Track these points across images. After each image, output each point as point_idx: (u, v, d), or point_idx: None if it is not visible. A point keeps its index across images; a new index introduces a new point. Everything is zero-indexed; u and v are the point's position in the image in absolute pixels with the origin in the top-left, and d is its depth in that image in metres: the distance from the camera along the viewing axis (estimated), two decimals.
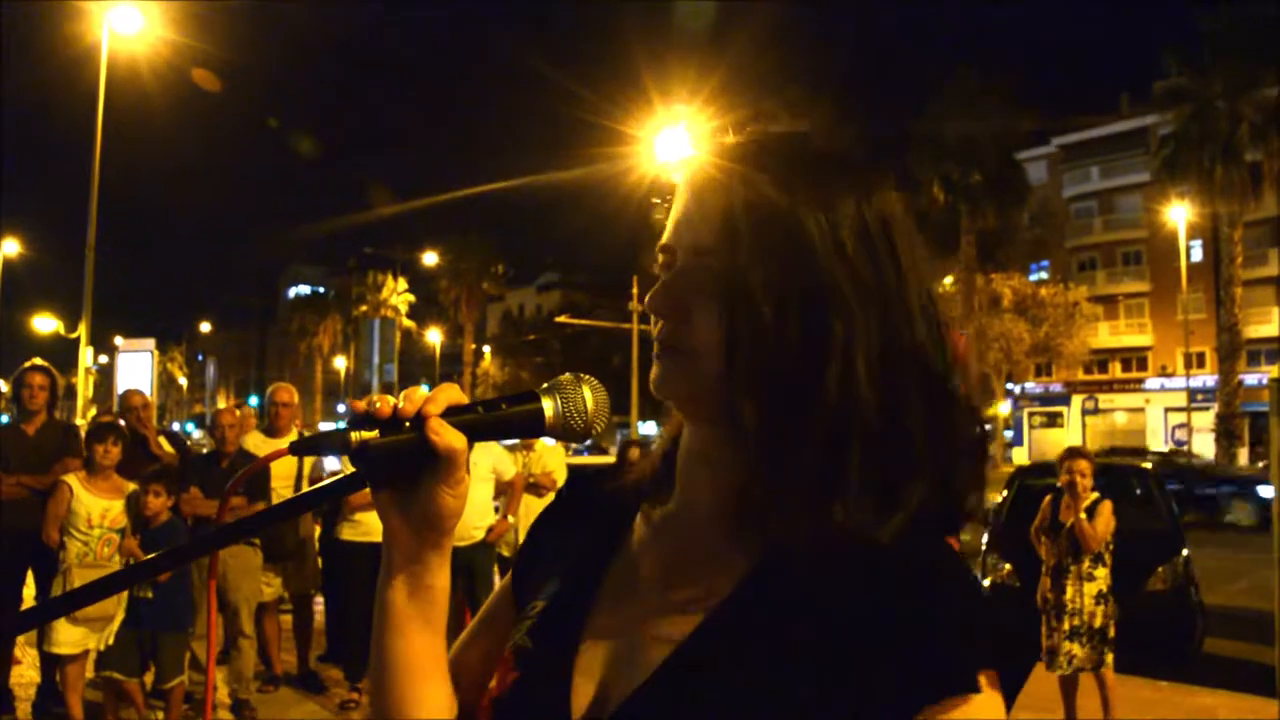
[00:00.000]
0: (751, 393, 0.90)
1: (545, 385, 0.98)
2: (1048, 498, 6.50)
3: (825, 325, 0.90)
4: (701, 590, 0.94)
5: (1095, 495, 6.25)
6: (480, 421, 0.94)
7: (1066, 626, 6.02)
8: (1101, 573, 6.08)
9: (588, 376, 0.99)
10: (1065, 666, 6.03)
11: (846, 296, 0.90)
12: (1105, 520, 6.11)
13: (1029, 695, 6.10)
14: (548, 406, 0.96)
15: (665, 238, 1.00)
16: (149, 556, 0.91)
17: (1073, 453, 6.55)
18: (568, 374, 0.99)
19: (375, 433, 0.90)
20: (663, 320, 0.97)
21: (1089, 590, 6.05)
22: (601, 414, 0.98)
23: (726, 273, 0.92)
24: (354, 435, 0.90)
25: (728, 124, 1.02)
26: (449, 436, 0.91)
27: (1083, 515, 6.08)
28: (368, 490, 0.96)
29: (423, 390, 0.94)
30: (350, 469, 0.94)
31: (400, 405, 0.92)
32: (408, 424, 0.91)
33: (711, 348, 0.92)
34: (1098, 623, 6.01)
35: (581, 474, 1.24)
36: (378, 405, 0.91)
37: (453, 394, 0.94)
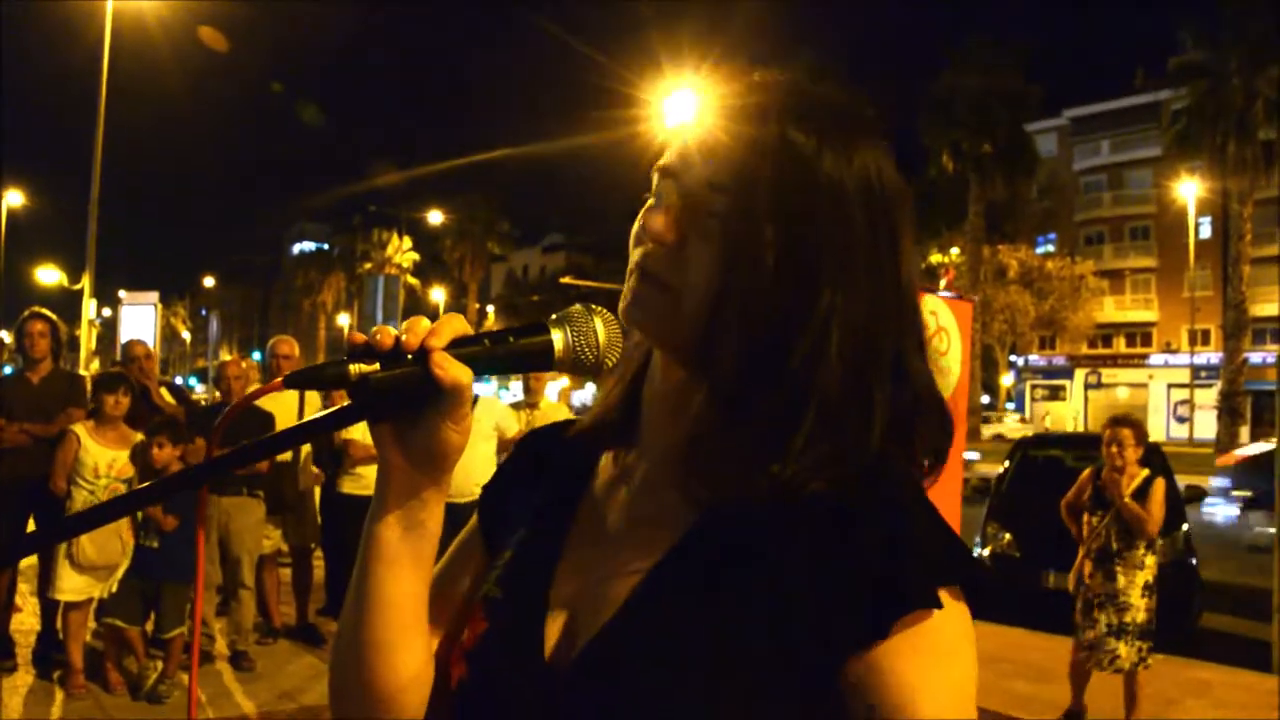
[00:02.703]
0: (730, 346, 0.88)
1: (555, 316, 0.94)
2: (1087, 470, 5.96)
3: (817, 290, 0.87)
4: (664, 531, 0.92)
5: (1146, 473, 5.67)
6: (486, 354, 0.90)
7: (1115, 621, 5.47)
8: (1151, 560, 5.55)
9: (600, 307, 0.95)
10: (1106, 666, 5.52)
11: (843, 263, 0.88)
12: (1159, 503, 5.52)
13: (1018, 697, 6.11)
14: (557, 339, 0.92)
15: (670, 158, 0.95)
16: (140, 486, 0.89)
17: (1116, 420, 5.89)
18: (579, 304, 0.95)
19: (376, 366, 0.86)
20: (651, 245, 0.92)
21: (1139, 580, 5.50)
22: (614, 347, 0.94)
23: (736, 216, 0.88)
24: (353, 368, 0.85)
25: (752, 65, 0.98)
26: (453, 370, 0.87)
27: (1128, 498, 5.52)
28: (370, 443, 0.93)
29: (426, 322, 0.89)
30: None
31: (403, 337, 0.88)
32: (410, 356, 0.87)
33: (699, 289, 0.89)
34: (1141, 617, 5.48)
35: (538, 429, 1.20)
36: (378, 337, 0.87)
37: (458, 325, 0.90)
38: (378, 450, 0.95)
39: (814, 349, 0.87)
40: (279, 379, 0.90)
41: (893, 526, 0.85)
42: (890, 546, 0.83)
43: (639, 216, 0.95)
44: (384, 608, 0.97)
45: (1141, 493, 5.57)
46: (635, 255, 0.94)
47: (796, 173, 0.88)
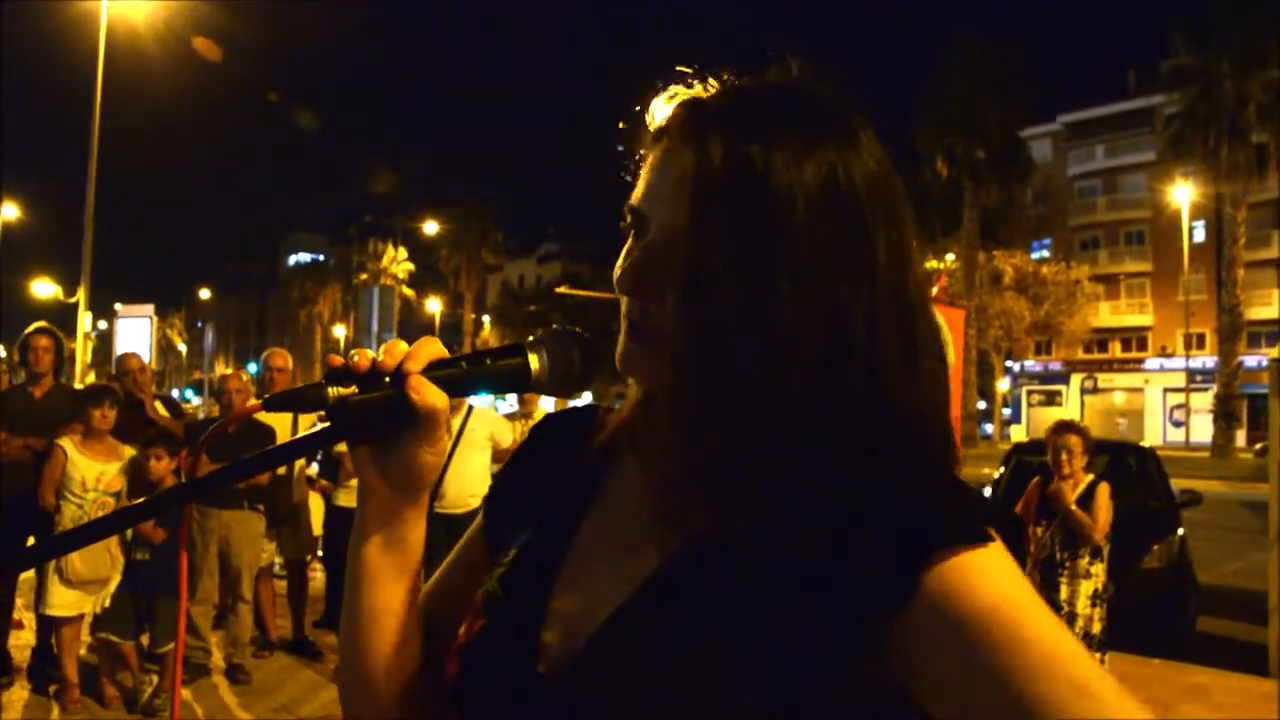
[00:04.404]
0: (686, 385, 0.85)
1: (533, 338, 0.94)
2: (1035, 479, 5.74)
3: (778, 311, 0.82)
4: (667, 541, 0.90)
5: (1090, 478, 5.52)
6: (463, 377, 0.91)
7: None
8: (1098, 569, 5.38)
9: (578, 329, 0.96)
10: None
11: (804, 275, 0.82)
12: (1105, 507, 5.36)
13: None
14: (534, 360, 0.93)
15: (636, 199, 0.92)
16: (129, 503, 0.89)
17: (1062, 427, 5.72)
18: (556, 326, 0.96)
19: (353, 388, 0.87)
20: (632, 298, 0.90)
21: (1084, 590, 5.35)
22: (592, 370, 0.95)
23: (694, 252, 0.83)
24: (331, 390, 0.87)
25: (705, 77, 0.93)
26: (430, 395, 0.88)
27: (1073, 506, 5.38)
28: None
29: (403, 345, 0.90)
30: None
31: (380, 359, 0.89)
32: (387, 379, 0.88)
33: (685, 333, 0.85)
34: (1094, 629, 5.30)
35: (555, 417, 1.17)
36: (356, 359, 0.88)
37: (434, 349, 0.91)
38: (356, 472, 0.96)
39: (769, 374, 0.83)
40: (258, 401, 0.91)
41: (916, 490, 0.82)
42: (920, 498, 0.81)
43: (619, 260, 0.93)
44: (373, 622, 0.99)
45: (1086, 499, 5.42)
46: (623, 305, 0.92)
47: (746, 191, 0.83)
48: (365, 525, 0.98)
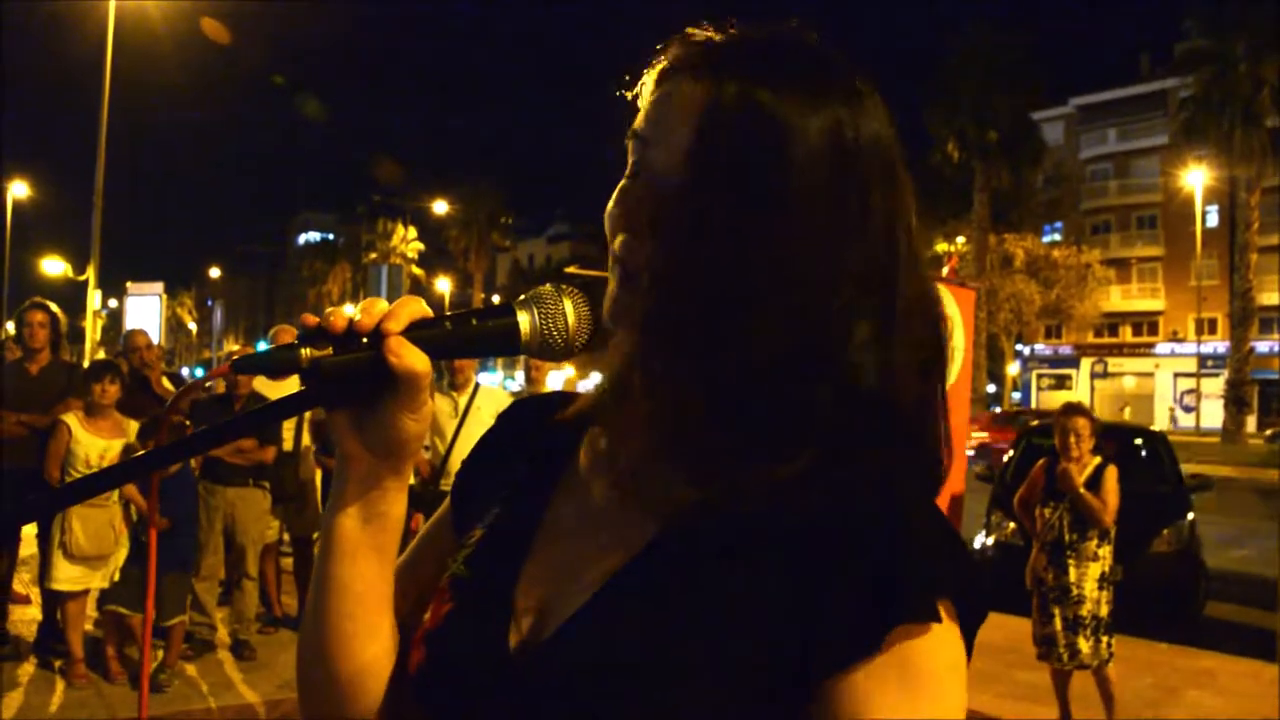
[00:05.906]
0: (669, 313, 0.82)
1: (523, 297, 0.89)
2: (1040, 463, 5.73)
3: (777, 260, 0.80)
4: (644, 522, 0.86)
5: (1098, 460, 5.51)
6: (447, 338, 0.85)
7: (1070, 615, 5.29)
8: (1106, 551, 5.36)
9: (570, 288, 0.90)
10: (1065, 661, 5.34)
11: (806, 228, 0.81)
12: (1113, 490, 5.34)
13: (1022, 685, 6.07)
14: (523, 321, 0.87)
15: (641, 125, 0.89)
16: (129, 478, 0.86)
17: (1069, 409, 5.74)
18: (548, 284, 0.90)
19: (329, 350, 0.82)
20: (625, 235, 0.87)
21: (1093, 573, 5.31)
22: (585, 331, 0.89)
23: (699, 191, 0.81)
24: (304, 352, 0.81)
25: (710, 23, 0.89)
26: (409, 358, 0.83)
27: (1082, 489, 5.33)
28: None
29: (383, 303, 0.85)
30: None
31: (357, 319, 0.83)
32: (365, 340, 0.83)
33: (669, 276, 0.82)
34: (1102, 611, 5.29)
35: (523, 401, 1.14)
36: (332, 319, 0.83)
37: (415, 308, 0.85)
38: (334, 438, 0.91)
39: (747, 321, 0.81)
40: (227, 364, 0.87)
41: (888, 528, 0.78)
42: (885, 550, 0.77)
43: (614, 197, 0.89)
44: (346, 600, 0.93)
45: (1094, 481, 5.40)
46: (614, 245, 0.88)
47: (758, 135, 0.81)
48: (344, 495, 0.91)
